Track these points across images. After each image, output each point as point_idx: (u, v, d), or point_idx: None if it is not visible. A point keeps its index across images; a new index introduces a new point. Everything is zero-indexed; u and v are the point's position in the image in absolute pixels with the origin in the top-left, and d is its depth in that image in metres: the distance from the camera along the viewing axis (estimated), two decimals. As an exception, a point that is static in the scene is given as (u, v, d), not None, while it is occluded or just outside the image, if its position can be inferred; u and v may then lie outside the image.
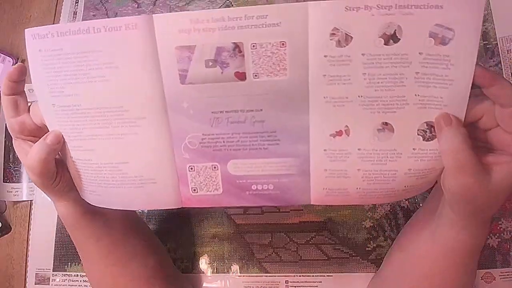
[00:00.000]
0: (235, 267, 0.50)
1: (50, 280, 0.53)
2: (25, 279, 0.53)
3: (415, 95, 0.29)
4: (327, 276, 0.48)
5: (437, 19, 0.26)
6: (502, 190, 0.28)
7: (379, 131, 0.30)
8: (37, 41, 0.30)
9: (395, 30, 0.27)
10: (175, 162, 0.33)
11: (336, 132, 0.31)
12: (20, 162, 0.55)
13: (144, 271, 0.41)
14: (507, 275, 0.46)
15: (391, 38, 0.27)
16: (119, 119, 0.32)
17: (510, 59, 0.51)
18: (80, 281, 0.52)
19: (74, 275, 0.52)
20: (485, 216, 0.31)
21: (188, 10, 0.61)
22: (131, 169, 0.33)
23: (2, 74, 0.59)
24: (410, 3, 0.26)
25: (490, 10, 0.52)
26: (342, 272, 0.48)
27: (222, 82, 0.30)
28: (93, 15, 0.63)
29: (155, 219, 0.53)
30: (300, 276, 0.49)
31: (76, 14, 0.64)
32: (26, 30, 0.31)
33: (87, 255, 0.40)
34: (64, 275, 0.52)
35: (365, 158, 0.31)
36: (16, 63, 0.60)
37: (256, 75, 0.30)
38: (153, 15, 0.29)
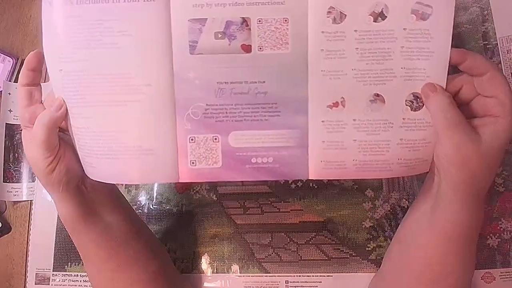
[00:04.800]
0: (235, 267, 0.50)
1: (50, 280, 0.53)
2: (25, 279, 0.53)
3: (401, 68, 0.32)
4: (327, 276, 0.48)
5: None
6: (492, 152, 0.30)
7: (372, 102, 0.33)
8: (53, 7, 0.32)
9: (382, 8, 0.31)
10: (176, 132, 0.34)
11: (333, 103, 0.33)
12: (20, 162, 0.55)
13: (145, 275, 0.41)
14: (507, 275, 0.46)
15: (379, 15, 0.31)
16: (125, 85, 0.33)
17: (510, 59, 0.51)
18: (80, 281, 0.52)
19: (74, 275, 0.52)
20: (479, 189, 0.32)
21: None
22: (130, 138, 0.33)
23: (2, 74, 0.59)
24: None
25: (490, 10, 0.52)
26: (342, 272, 0.48)
27: (229, 54, 0.32)
28: (93, 15, 0.63)
29: (155, 219, 0.53)
30: (300, 276, 0.49)
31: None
32: None
33: (88, 259, 0.40)
34: (64, 275, 0.52)
35: (360, 128, 0.33)
36: (16, 63, 0.60)
37: (260, 48, 0.32)
38: None
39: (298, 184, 0.51)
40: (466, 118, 0.31)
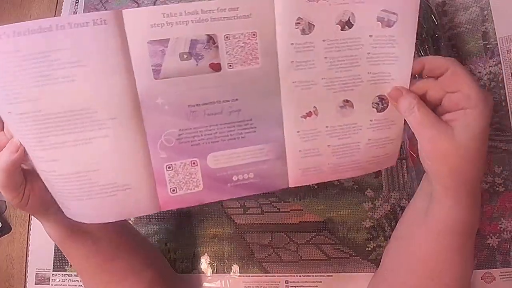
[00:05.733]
0: (235, 267, 0.50)
1: (50, 280, 0.53)
2: (25, 279, 0.53)
3: (368, 73, 0.33)
4: (327, 276, 0.48)
5: (383, 6, 0.31)
6: (468, 144, 0.31)
7: (342, 108, 0.34)
8: None
9: (349, 17, 0.31)
10: (151, 163, 0.32)
11: (306, 113, 0.34)
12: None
13: (141, 285, 0.41)
14: (507, 275, 0.46)
15: (346, 24, 0.32)
16: (87, 122, 0.29)
17: (510, 59, 0.51)
18: (80, 281, 0.52)
19: (74, 275, 0.52)
20: (467, 184, 0.32)
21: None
22: (102, 177, 0.31)
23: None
24: None
25: (490, 10, 0.52)
26: (342, 272, 0.48)
27: (198, 74, 0.31)
28: (93, 15, 0.63)
29: (155, 219, 0.53)
30: (300, 276, 0.49)
31: (76, 14, 0.64)
32: None
33: (81, 272, 0.40)
34: (64, 275, 0.52)
35: (332, 134, 0.35)
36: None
37: (230, 65, 0.31)
38: (122, 10, 0.28)
39: (298, 184, 0.51)
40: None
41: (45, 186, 0.33)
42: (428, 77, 0.33)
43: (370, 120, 0.35)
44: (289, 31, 0.31)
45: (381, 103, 0.34)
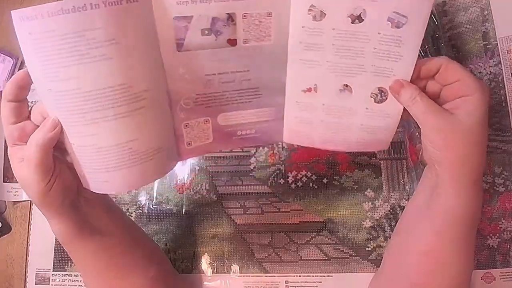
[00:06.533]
0: (235, 267, 0.50)
1: (50, 280, 0.53)
2: (25, 279, 0.53)
3: (372, 65, 0.34)
4: (327, 276, 0.48)
5: (395, 8, 0.32)
6: (472, 129, 0.31)
7: (341, 91, 0.36)
8: (26, 23, 0.28)
9: (361, 12, 0.33)
10: (174, 123, 0.36)
11: (307, 89, 0.37)
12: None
13: (145, 282, 0.41)
14: (507, 275, 0.46)
15: (357, 18, 0.33)
16: (125, 96, 0.31)
17: (510, 59, 0.51)
18: (80, 281, 0.52)
19: (74, 275, 0.52)
20: (473, 171, 0.33)
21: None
22: (142, 145, 0.33)
23: (2, 74, 0.59)
24: None
25: (490, 10, 0.52)
26: (342, 272, 0.48)
27: (216, 48, 0.34)
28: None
29: (155, 219, 0.53)
30: (300, 276, 0.49)
31: None
32: (12, 12, 0.28)
33: (85, 270, 0.40)
34: (64, 275, 0.52)
35: (327, 112, 0.37)
36: (16, 63, 0.59)
37: (245, 41, 0.34)
38: None
39: (298, 184, 0.51)
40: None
41: (70, 173, 0.34)
42: (424, 78, 0.34)
43: (366, 108, 0.36)
44: (302, 15, 0.33)
45: (380, 95, 0.35)
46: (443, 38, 0.49)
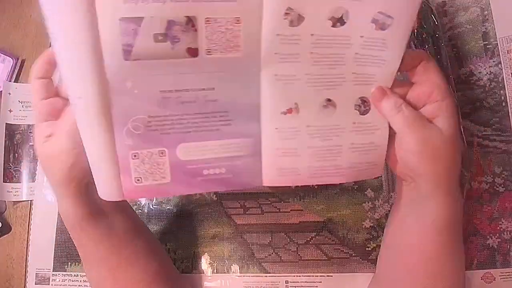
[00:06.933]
0: (235, 267, 0.50)
1: (50, 280, 0.53)
2: (25, 279, 0.53)
3: (352, 73, 0.31)
4: (327, 276, 0.48)
5: (380, 8, 0.29)
6: (452, 136, 0.31)
7: (324, 107, 0.32)
8: None
9: (343, 14, 0.29)
10: (116, 149, 0.30)
11: (287, 110, 0.32)
12: (20, 162, 0.55)
13: (146, 275, 0.41)
14: (507, 275, 0.46)
15: (338, 21, 0.29)
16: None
17: (510, 59, 0.51)
18: (80, 281, 0.52)
19: (74, 275, 0.52)
20: (456, 176, 0.33)
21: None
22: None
23: (2, 74, 0.59)
24: None
25: (490, 10, 0.52)
26: (342, 272, 0.48)
27: (173, 59, 0.28)
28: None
29: (155, 219, 0.53)
30: (300, 276, 0.49)
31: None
32: None
33: (88, 257, 0.40)
34: (64, 275, 0.52)
35: (313, 134, 0.32)
36: (16, 63, 0.59)
37: (209, 52, 0.28)
38: None
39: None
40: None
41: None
42: (402, 71, 0.33)
43: (353, 123, 0.33)
44: (277, 21, 0.28)
45: (363, 105, 0.33)
46: (443, 38, 0.49)
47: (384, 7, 0.29)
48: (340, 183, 0.37)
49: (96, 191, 0.34)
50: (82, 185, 0.35)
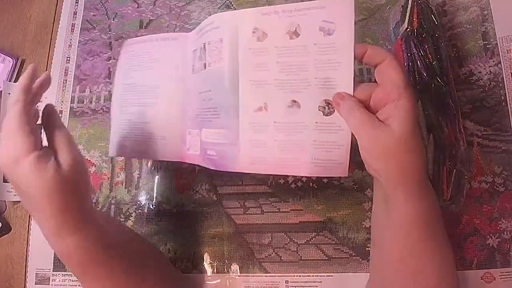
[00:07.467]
0: (235, 267, 0.50)
1: (50, 280, 0.53)
2: (25, 279, 0.53)
3: (315, 78, 0.36)
4: (327, 276, 0.48)
5: (323, 17, 0.35)
6: (407, 136, 0.32)
7: (289, 107, 0.37)
8: (126, 47, 0.49)
9: (296, 27, 0.36)
10: (182, 126, 0.44)
11: (258, 108, 0.38)
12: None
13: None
14: (507, 275, 0.46)
15: (294, 34, 0.36)
16: (153, 93, 0.46)
17: (510, 59, 0.51)
18: (80, 281, 0.52)
19: (74, 275, 0.52)
20: (414, 174, 0.33)
21: (188, 10, 0.61)
22: (151, 128, 0.45)
23: (2, 74, 0.59)
24: (303, 7, 0.36)
25: (490, 10, 0.52)
26: (342, 272, 0.48)
27: (199, 72, 0.42)
28: (93, 15, 0.63)
29: (155, 219, 0.53)
30: (300, 276, 0.49)
31: (76, 14, 0.64)
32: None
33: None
34: (64, 275, 0.52)
35: (279, 129, 0.38)
36: (16, 63, 0.60)
37: (209, 64, 0.41)
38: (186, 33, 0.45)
39: (298, 184, 0.51)
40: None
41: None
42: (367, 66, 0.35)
43: (316, 122, 0.36)
44: (247, 39, 0.38)
45: (328, 108, 0.36)
46: (443, 38, 0.49)
47: (326, 15, 0.35)
48: (309, 176, 0.46)
49: (103, 223, 0.37)
50: (86, 209, 0.35)
